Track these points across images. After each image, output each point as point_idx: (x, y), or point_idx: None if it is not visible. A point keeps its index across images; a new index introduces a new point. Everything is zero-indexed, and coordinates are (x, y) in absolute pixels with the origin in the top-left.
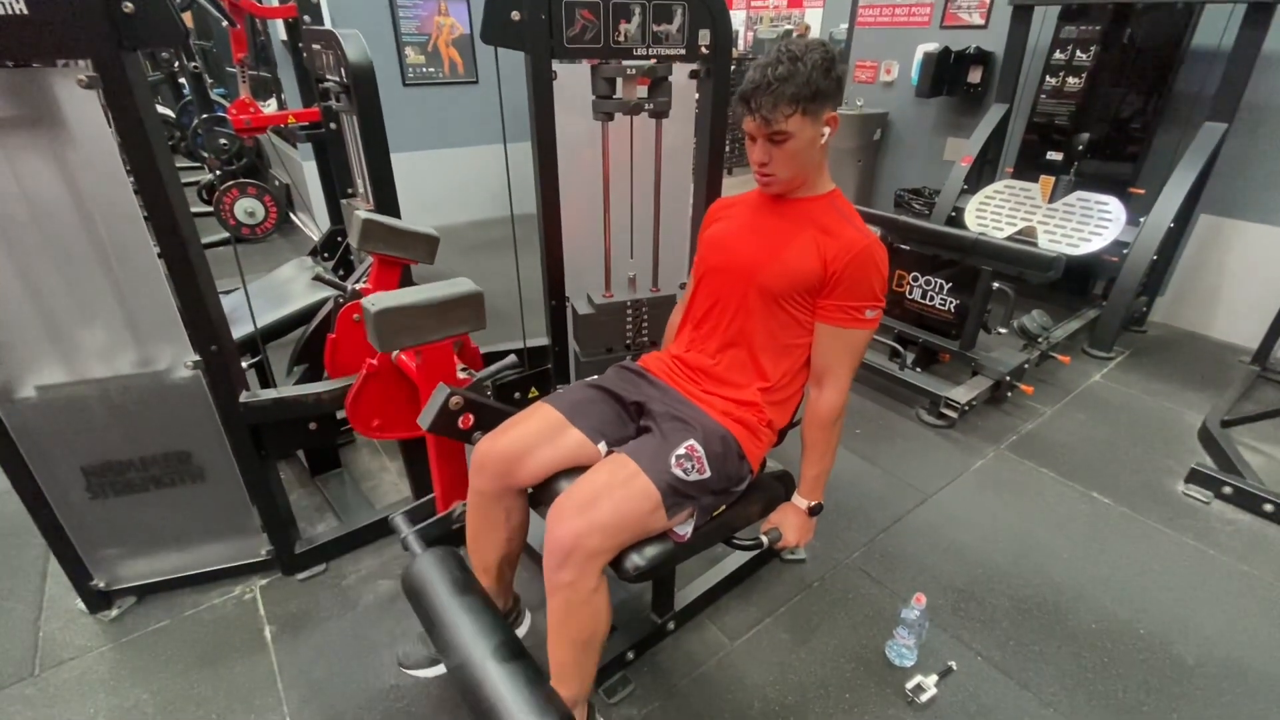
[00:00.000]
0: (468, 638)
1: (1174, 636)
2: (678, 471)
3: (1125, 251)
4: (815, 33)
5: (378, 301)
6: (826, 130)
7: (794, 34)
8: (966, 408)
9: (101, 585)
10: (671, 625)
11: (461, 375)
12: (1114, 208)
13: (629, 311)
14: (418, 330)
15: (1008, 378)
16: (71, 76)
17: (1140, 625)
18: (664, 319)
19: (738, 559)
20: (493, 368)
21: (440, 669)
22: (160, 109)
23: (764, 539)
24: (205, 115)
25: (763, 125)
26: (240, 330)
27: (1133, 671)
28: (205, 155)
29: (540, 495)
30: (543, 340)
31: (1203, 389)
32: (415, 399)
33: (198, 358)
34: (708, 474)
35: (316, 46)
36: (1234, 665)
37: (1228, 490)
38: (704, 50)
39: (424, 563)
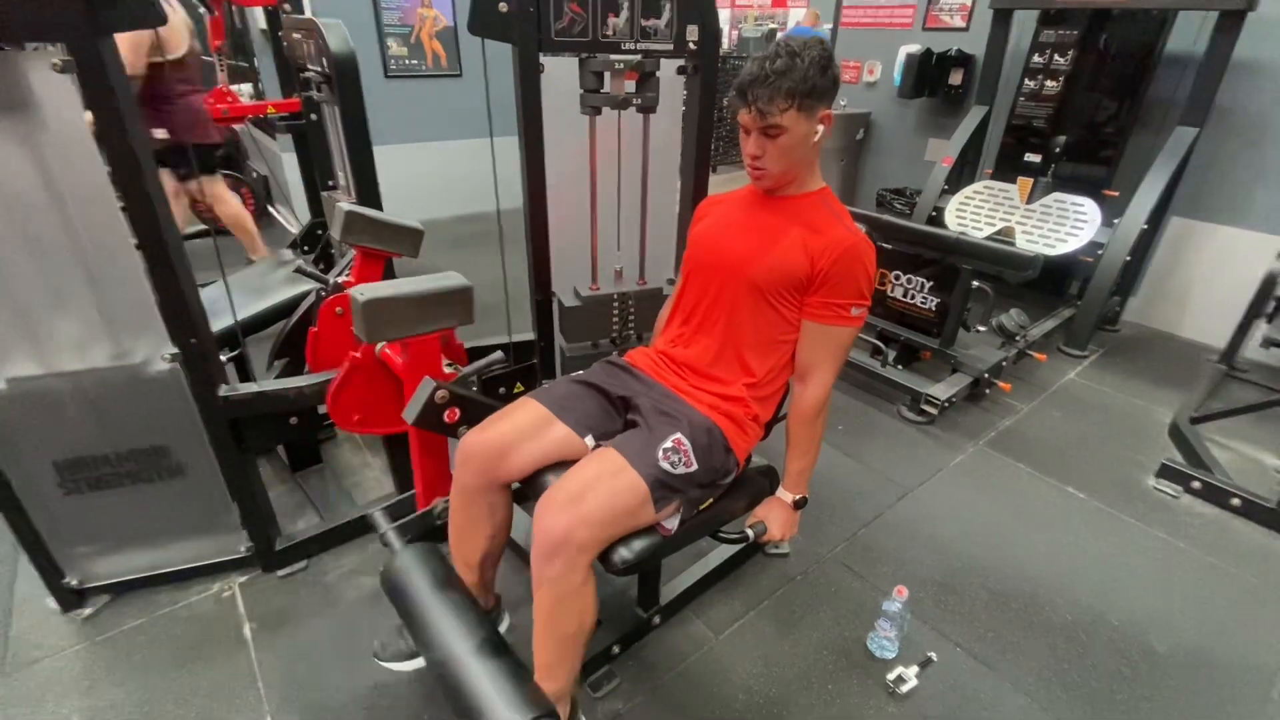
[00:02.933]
0: (449, 634)
1: (1145, 626)
2: (665, 465)
3: (1100, 252)
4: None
5: (366, 291)
6: (820, 128)
7: (776, 33)
8: (946, 404)
9: (74, 583)
10: (657, 619)
11: (447, 370)
12: (1089, 209)
13: (615, 304)
14: (405, 322)
15: (986, 375)
16: (45, 60)
17: (1112, 616)
18: (650, 312)
19: (722, 553)
20: (478, 363)
21: (418, 663)
22: None
23: (749, 532)
24: None
25: (758, 118)
26: (219, 323)
27: (1105, 660)
28: None
29: (528, 490)
30: (529, 335)
31: (1173, 387)
32: (398, 394)
33: (175, 350)
34: (694, 467)
35: (297, 35)
36: (1202, 653)
37: (1196, 485)
38: (692, 46)
39: (404, 558)
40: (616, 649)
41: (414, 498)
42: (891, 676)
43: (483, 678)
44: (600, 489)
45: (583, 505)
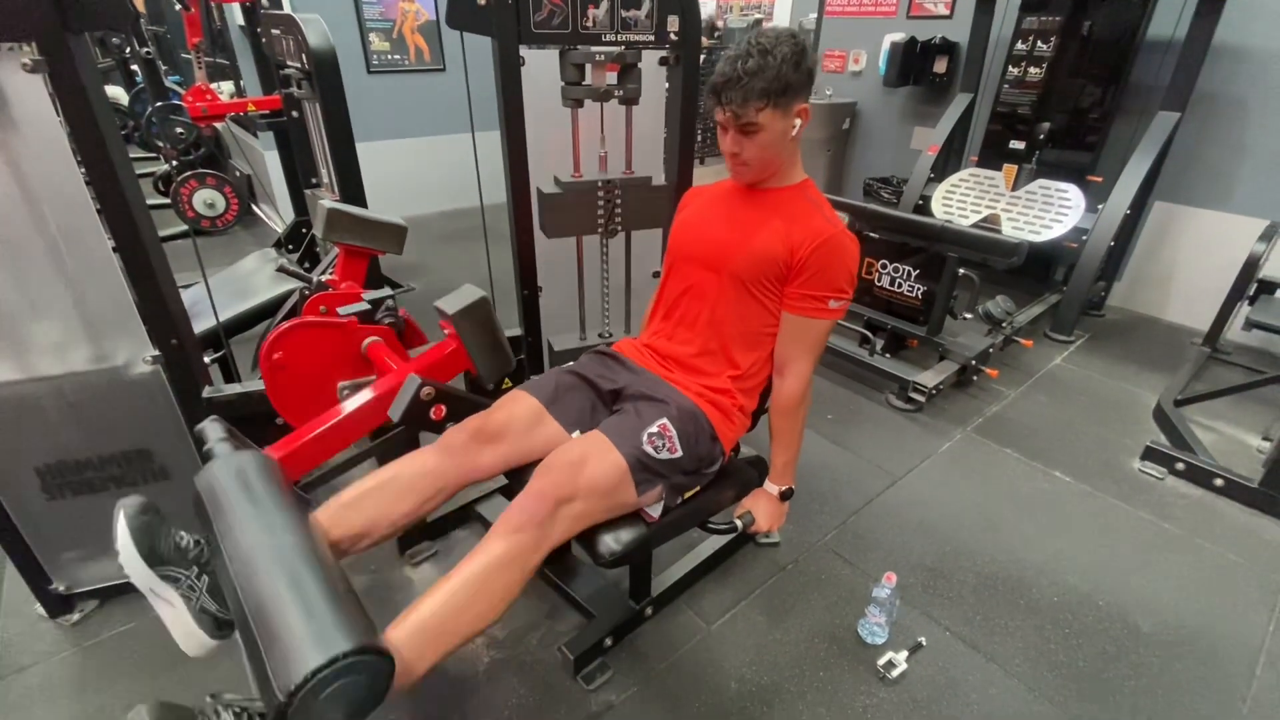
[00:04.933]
0: (273, 543)
1: (1131, 606)
2: (648, 448)
3: (1084, 238)
4: (785, 21)
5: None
6: (798, 122)
7: (762, 23)
8: (934, 391)
9: (61, 589)
10: (649, 611)
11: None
12: (1074, 195)
13: (600, 192)
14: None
15: (973, 362)
16: (14, 59)
17: (1099, 597)
18: (639, 204)
19: (713, 544)
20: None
21: (155, 582)
22: (113, 89)
23: (737, 523)
24: (160, 103)
25: (733, 119)
26: (203, 324)
27: (1092, 641)
28: (161, 145)
29: (514, 484)
30: (515, 331)
31: (1157, 370)
32: (325, 387)
33: (157, 352)
34: (679, 453)
35: (276, 32)
36: (1187, 631)
37: (1180, 466)
38: (673, 36)
39: (242, 459)
40: (609, 641)
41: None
42: (882, 662)
43: (301, 599)
44: (586, 464)
45: (577, 473)
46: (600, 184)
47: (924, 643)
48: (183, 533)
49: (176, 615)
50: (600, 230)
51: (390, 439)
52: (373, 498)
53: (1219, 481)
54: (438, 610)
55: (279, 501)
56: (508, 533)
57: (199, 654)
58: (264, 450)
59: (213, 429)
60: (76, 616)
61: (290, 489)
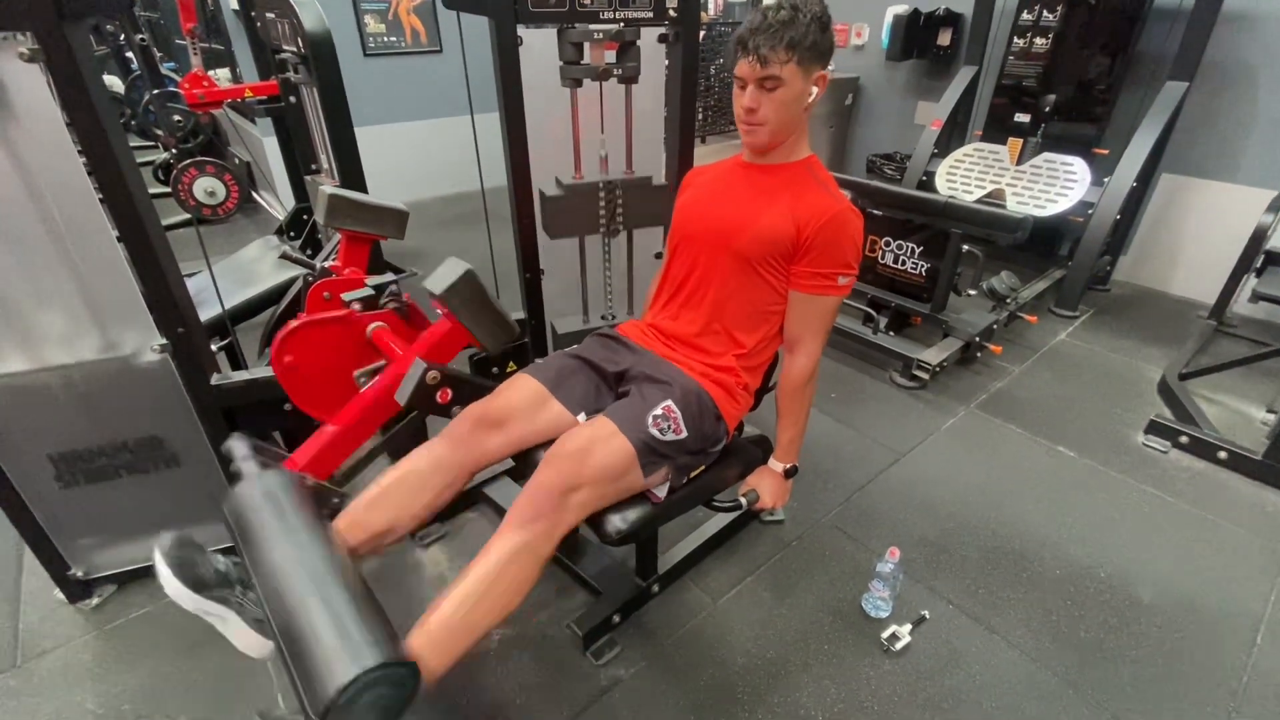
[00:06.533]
0: (301, 564)
1: (1132, 578)
2: (654, 431)
3: (1090, 212)
4: None
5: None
6: (815, 90)
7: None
8: (938, 369)
9: (80, 574)
10: (656, 588)
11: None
12: (1079, 169)
13: (601, 193)
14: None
15: (977, 339)
16: (11, 49)
17: (1101, 569)
18: (640, 203)
19: (718, 522)
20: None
21: (206, 604)
22: (109, 78)
23: (742, 501)
24: (156, 90)
25: (758, 66)
26: (208, 312)
27: (1094, 612)
28: (159, 133)
29: (523, 466)
30: (519, 314)
31: (1162, 344)
32: (341, 379)
33: (165, 341)
34: (684, 434)
35: (270, 15)
36: (1188, 602)
37: (1184, 440)
38: (672, 13)
39: (267, 480)
40: (617, 618)
41: (282, 456)
42: (886, 635)
43: (331, 616)
44: (593, 451)
45: (585, 461)
46: (602, 185)
47: (927, 616)
48: (219, 557)
49: (231, 627)
50: (602, 230)
51: (399, 432)
52: (390, 497)
53: (1223, 454)
54: (457, 608)
55: (303, 520)
56: (518, 526)
57: (263, 655)
58: (290, 456)
59: (238, 446)
60: (95, 601)
61: (313, 505)
